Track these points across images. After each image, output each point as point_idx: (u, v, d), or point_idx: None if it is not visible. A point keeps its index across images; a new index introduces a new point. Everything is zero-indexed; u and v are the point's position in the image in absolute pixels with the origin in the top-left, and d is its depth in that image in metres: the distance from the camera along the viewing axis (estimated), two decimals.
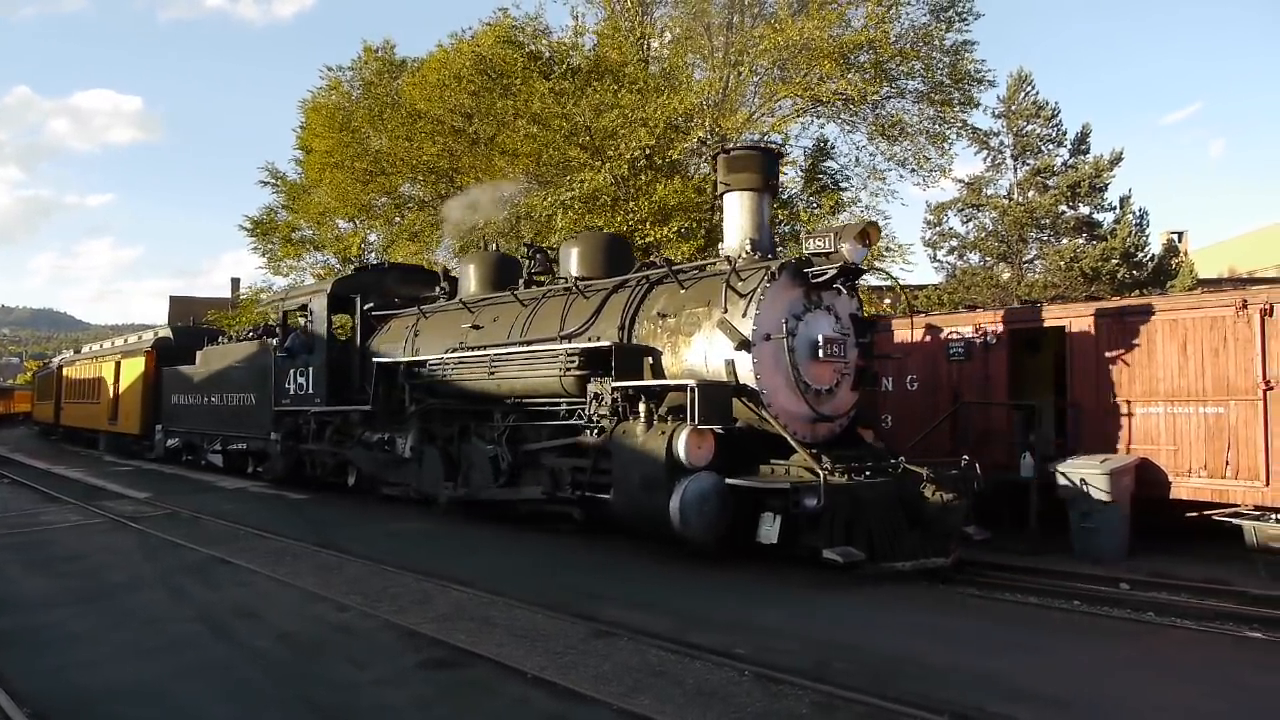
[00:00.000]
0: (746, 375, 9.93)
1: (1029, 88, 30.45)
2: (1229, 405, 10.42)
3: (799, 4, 23.09)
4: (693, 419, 9.48)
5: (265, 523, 12.89)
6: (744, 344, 9.85)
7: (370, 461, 15.04)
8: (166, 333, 27.04)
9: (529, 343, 12.08)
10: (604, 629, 7.00)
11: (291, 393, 16.80)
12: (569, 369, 10.92)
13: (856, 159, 26.06)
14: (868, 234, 9.98)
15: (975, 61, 24.15)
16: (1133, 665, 6.47)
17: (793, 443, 9.71)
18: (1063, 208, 29.59)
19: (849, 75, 22.57)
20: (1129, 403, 11.22)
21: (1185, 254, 37.54)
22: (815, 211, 24.59)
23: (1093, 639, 7.14)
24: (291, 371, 16.81)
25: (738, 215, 11.07)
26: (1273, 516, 9.89)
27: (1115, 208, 29.68)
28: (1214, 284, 27.18)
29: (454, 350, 13.27)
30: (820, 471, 9.08)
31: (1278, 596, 8.45)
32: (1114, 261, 27.98)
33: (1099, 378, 11.49)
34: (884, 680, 5.81)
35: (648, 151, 22.23)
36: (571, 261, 12.97)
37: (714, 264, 11.24)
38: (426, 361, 13.60)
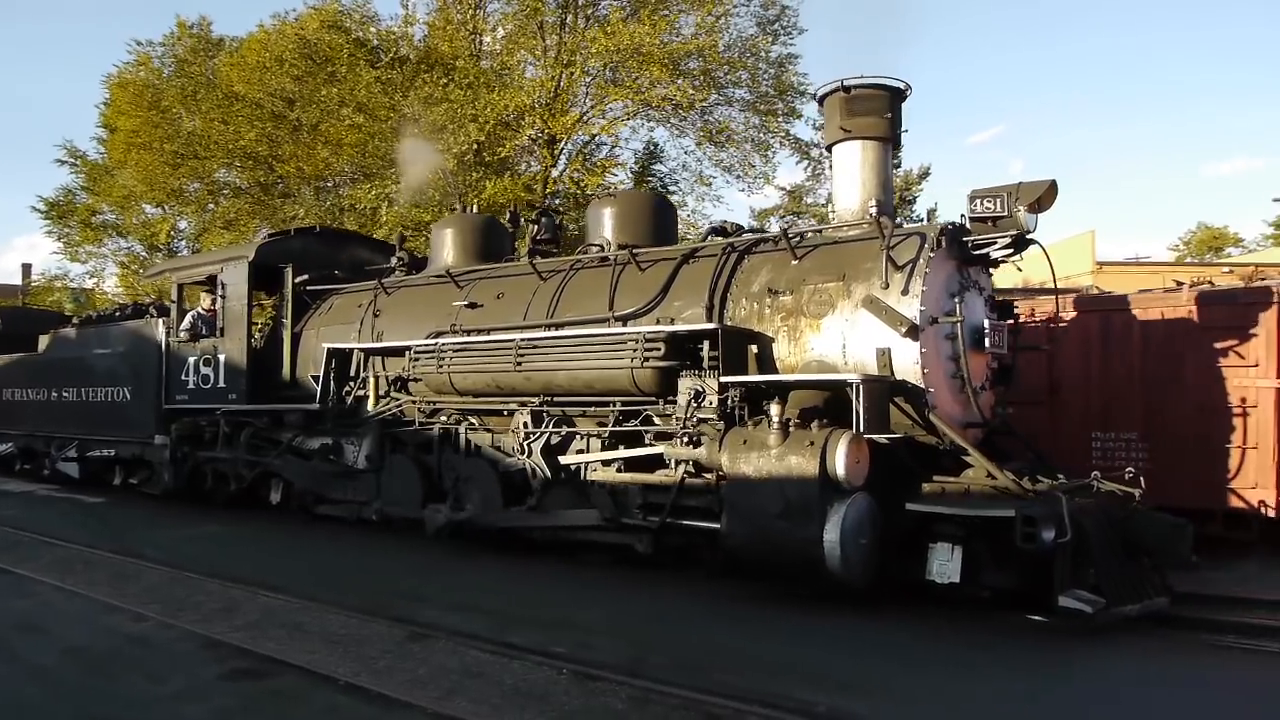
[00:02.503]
0: (908, 370, 7.49)
1: None
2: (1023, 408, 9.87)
3: (631, 8, 22.31)
4: (855, 425, 7.08)
5: (54, 528, 11.39)
6: (912, 330, 7.44)
7: (307, 474, 11.62)
8: None
9: (558, 325, 9.32)
10: (421, 631, 6.54)
11: (191, 386, 13.08)
12: (648, 358, 8.14)
13: (685, 163, 25.77)
14: (1042, 199, 7.82)
15: (798, 74, 24.12)
16: (949, 657, 6.27)
17: (977, 456, 7.44)
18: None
19: (679, 81, 22.04)
20: None
21: None
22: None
23: (912, 634, 6.81)
24: (191, 360, 13.05)
25: (858, 169, 8.50)
26: None
27: (923, 219, 31.26)
28: (1007, 293, 28.90)
29: (440, 334, 10.22)
30: (1059, 494, 6.90)
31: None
32: None
33: None
34: (694, 670, 5.64)
35: (477, 147, 21.28)
36: (605, 226, 10.08)
37: (825, 230, 8.84)
38: (408, 348, 10.32)
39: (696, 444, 8.00)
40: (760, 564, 7.51)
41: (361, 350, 11.15)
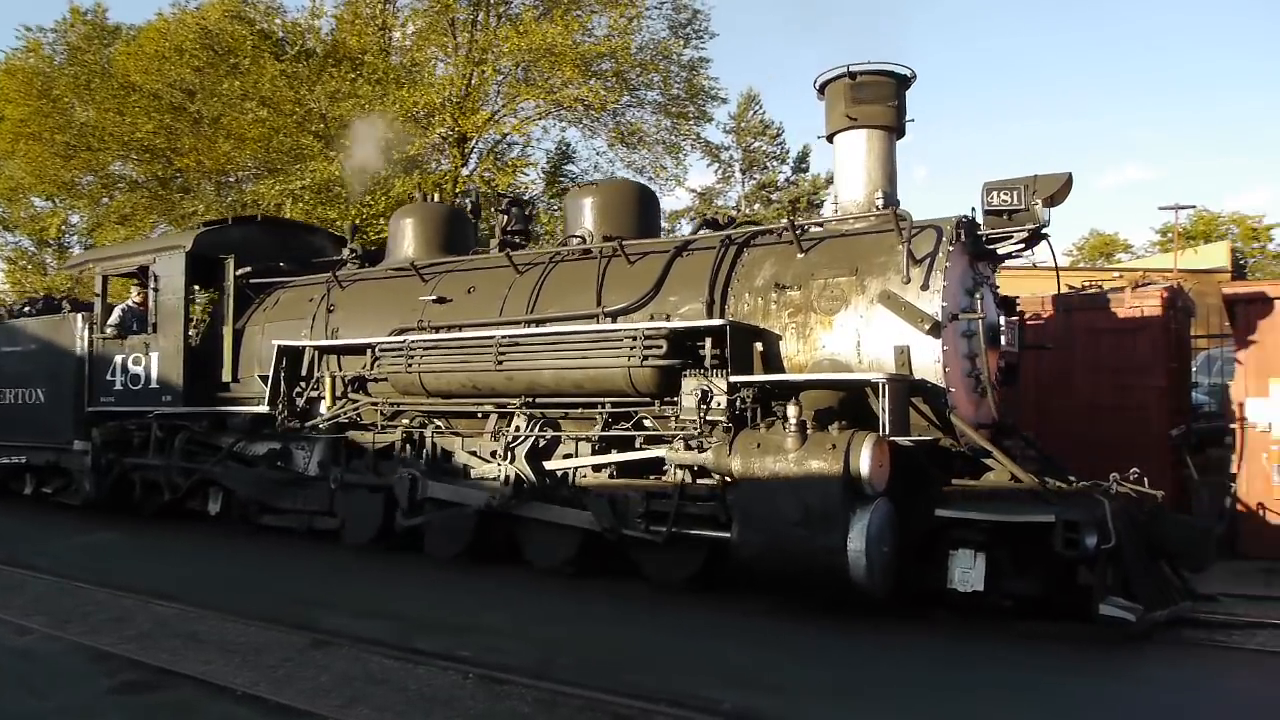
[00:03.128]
0: (929, 369, 7.01)
1: (757, 107, 31.23)
2: None
3: (544, 8, 22.15)
4: (881, 427, 6.60)
5: None
6: (935, 327, 6.96)
7: (251, 482, 10.58)
8: None
9: (540, 321, 8.63)
10: (324, 638, 6.26)
11: (118, 388, 11.84)
12: (648, 356, 7.46)
13: (596, 164, 25.63)
14: (1056, 194, 7.44)
15: (710, 78, 24.42)
16: (884, 658, 6.14)
17: (1003, 459, 6.97)
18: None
19: (591, 82, 21.93)
20: None
21: None
22: (557, 214, 22.96)
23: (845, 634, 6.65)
24: (119, 359, 11.80)
25: (862, 159, 8.01)
26: None
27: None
28: None
29: (405, 330, 9.37)
30: (1100, 497, 6.53)
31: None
32: None
33: None
34: (602, 671, 5.55)
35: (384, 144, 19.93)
36: (586, 217, 9.37)
37: (829, 222, 8.29)
38: (370, 346, 9.45)
39: (700, 448, 7.36)
40: (775, 575, 6.90)
41: (316, 348, 10.17)
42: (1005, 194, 7.33)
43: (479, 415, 8.89)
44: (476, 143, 23.78)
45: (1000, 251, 7.81)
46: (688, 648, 6.23)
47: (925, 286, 7.14)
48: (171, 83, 22.43)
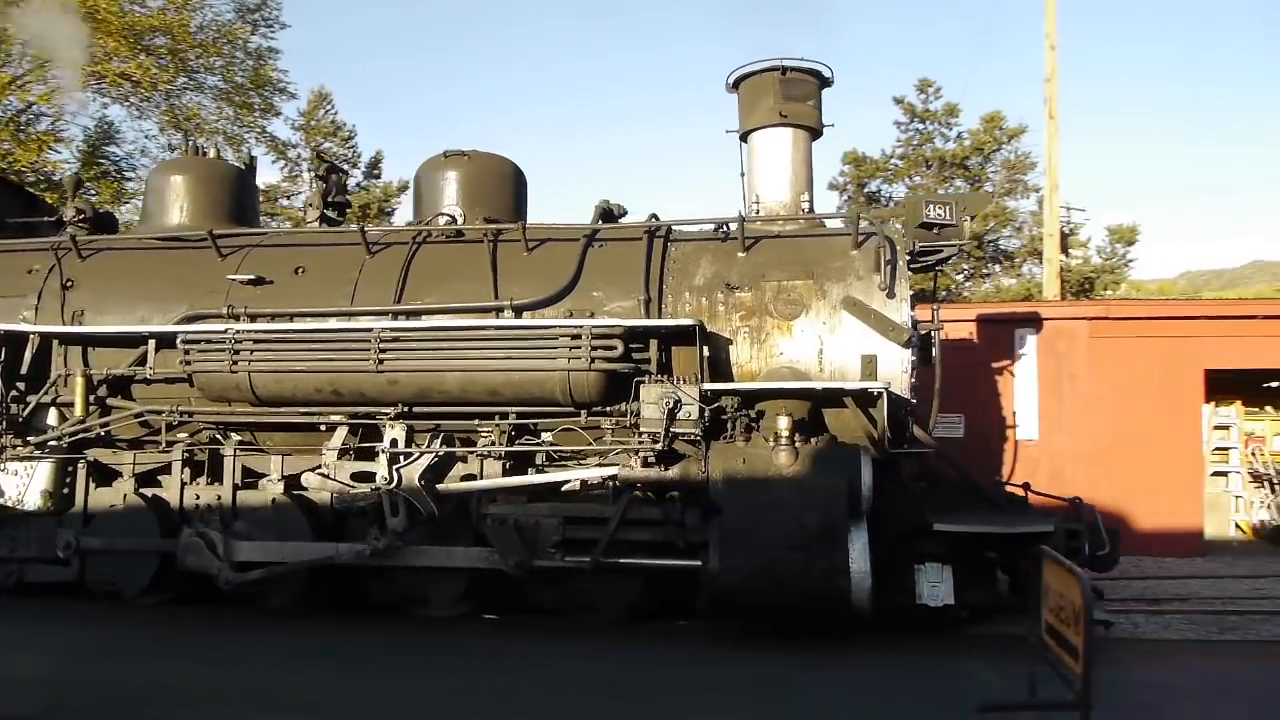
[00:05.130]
0: (895, 378, 6.52)
1: (329, 106, 28.42)
2: None
3: None
4: (881, 439, 6.15)
5: None
6: (909, 338, 6.53)
7: None
8: None
9: (413, 313, 7.05)
10: None
11: None
12: (597, 359, 6.24)
13: (145, 148, 22.26)
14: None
15: (279, 70, 22.39)
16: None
17: (965, 472, 6.84)
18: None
19: (140, 58, 19.41)
20: None
21: None
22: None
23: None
24: None
25: (788, 159, 7.34)
26: None
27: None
28: None
29: (201, 317, 7.14)
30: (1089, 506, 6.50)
31: None
32: None
33: None
34: (123, 708, 4.92)
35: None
36: (450, 193, 7.75)
37: (756, 222, 7.31)
38: (155, 335, 7.06)
39: (655, 464, 6.34)
40: (759, 604, 6.06)
41: (57, 336, 7.42)
42: (940, 208, 7.11)
43: (322, 428, 6.94)
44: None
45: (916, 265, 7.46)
46: (226, 675, 5.61)
47: (892, 295, 6.72)
48: None
